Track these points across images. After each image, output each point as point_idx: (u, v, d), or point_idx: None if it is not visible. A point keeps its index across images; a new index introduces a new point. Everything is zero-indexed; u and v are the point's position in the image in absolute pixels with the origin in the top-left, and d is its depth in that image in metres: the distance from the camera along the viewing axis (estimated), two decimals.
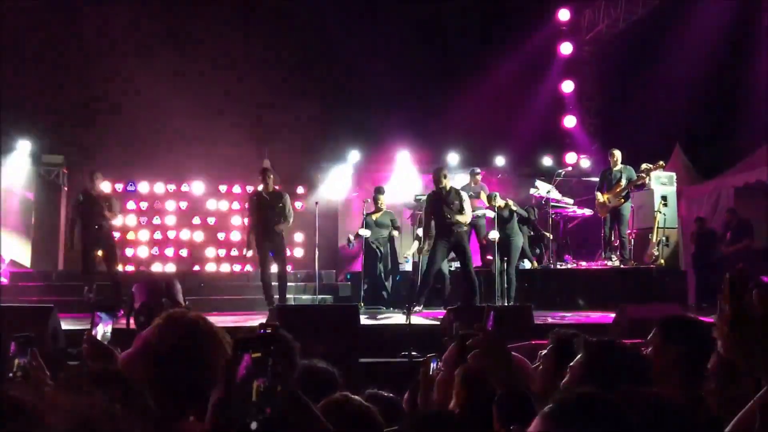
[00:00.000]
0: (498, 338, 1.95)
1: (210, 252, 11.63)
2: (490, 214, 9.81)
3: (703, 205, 11.72)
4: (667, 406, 1.01)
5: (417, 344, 6.58)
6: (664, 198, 10.87)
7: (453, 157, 12.84)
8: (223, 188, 11.84)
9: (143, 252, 11.49)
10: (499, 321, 2.06)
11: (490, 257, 10.02)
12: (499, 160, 13.03)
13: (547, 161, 13.30)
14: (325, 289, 10.26)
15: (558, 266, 11.07)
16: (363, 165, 12.33)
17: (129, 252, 11.43)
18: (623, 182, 10.43)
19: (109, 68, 11.28)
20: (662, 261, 10.49)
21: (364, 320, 7.59)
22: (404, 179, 12.09)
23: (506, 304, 9.17)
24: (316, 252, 9.70)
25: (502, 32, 13.21)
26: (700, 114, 12.41)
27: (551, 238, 11.09)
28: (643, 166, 10.61)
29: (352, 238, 10.20)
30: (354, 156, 12.24)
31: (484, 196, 10.10)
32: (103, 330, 2.39)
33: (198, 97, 11.31)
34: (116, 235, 9.34)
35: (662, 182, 11.15)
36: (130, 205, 11.56)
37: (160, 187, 11.68)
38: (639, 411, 0.97)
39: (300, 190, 12.00)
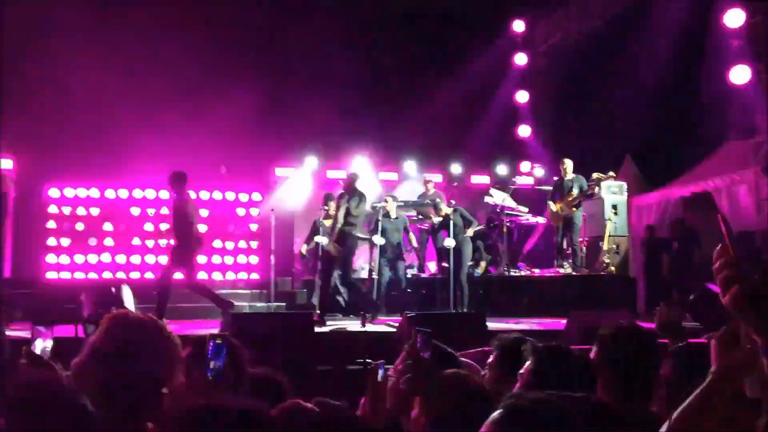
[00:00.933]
0: (426, 363, 1.96)
1: (163, 259, 11.42)
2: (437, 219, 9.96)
3: (652, 214, 12.03)
4: (599, 409, 1.03)
5: (373, 351, 6.58)
6: (614, 207, 11.13)
7: (410, 164, 12.95)
8: None
9: (93, 259, 11.23)
10: (428, 344, 2.07)
11: (445, 264, 10.09)
12: (455, 168, 13.17)
13: (502, 170, 13.49)
14: (280, 296, 10.18)
15: (512, 273, 11.22)
16: (320, 171, 12.31)
17: (79, 259, 11.17)
18: (575, 191, 10.63)
19: (59, 75, 10.98)
20: (613, 268, 10.73)
21: (319, 327, 7.56)
22: (361, 186, 12.09)
23: (460, 310, 9.25)
24: (272, 259, 9.63)
25: (459, 42, 13.35)
26: (650, 125, 12.73)
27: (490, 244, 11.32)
28: (594, 175, 10.83)
29: (304, 251, 10.19)
30: (311, 162, 12.22)
31: (442, 204, 10.18)
32: (42, 345, 2.31)
33: (153, 103, 11.11)
34: None
35: (613, 191, 11.41)
36: (80, 210, 11.29)
37: (111, 193, 11.45)
38: (576, 413, 1.00)
39: (256, 196, 11.91)
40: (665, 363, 2.54)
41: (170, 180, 8.21)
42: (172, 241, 8.19)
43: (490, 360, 2.80)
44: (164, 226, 10.18)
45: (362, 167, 12.32)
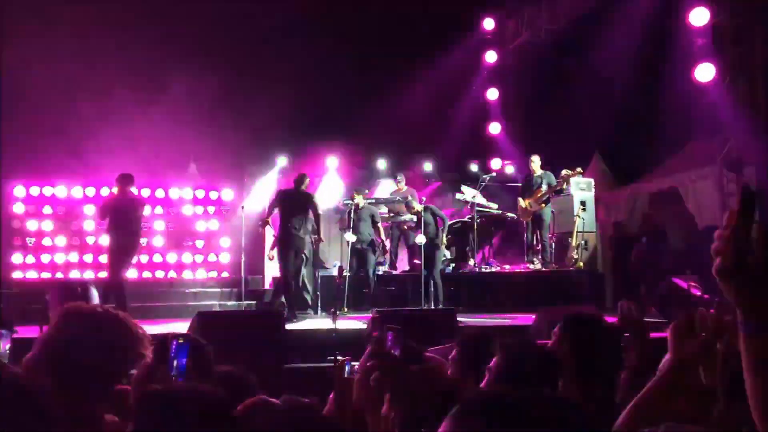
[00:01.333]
0: (396, 361, 1.97)
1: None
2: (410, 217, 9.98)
3: (620, 210, 12.18)
4: (559, 405, 1.05)
5: (343, 348, 6.57)
6: (582, 203, 11.26)
7: (381, 163, 12.96)
8: (145, 192, 11.50)
9: (60, 258, 11.05)
10: (398, 341, 2.08)
11: (417, 261, 10.12)
12: (427, 165, 13.23)
13: (473, 167, 13.56)
14: (251, 295, 10.13)
15: (483, 269, 11.29)
16: (291, 170, 12.25)
17: (45, 258, 10.98)
18: (543, 188, 10.73)
19: (23, 68, 10.76)
20: (581, 264, 10.85)
21: (289, 325, 7.54)
22: (332, 184, 12.11)
23: (434, 307, 9.30)
24: (243, 257, 9.57)
25: (430, 40, 13.37)
26: (617, 122, 12.88)
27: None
28: (563, 172, 10.95)
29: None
30: (282, 161, 12.17)
31: (414, 201, 10.20)
32: (1, 347, 2.27)
33: (120, 98, 10.95)
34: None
35: (581, 188, 11.54)
36: (47, 209, 11.11)
37: (78, 191, 11.27)
38: (537, 409, 1.01)
39: (227, 194, 11.82)
40: (632, 351, 2.56)
41: (116, 180, 8.40)
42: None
43: (452, 355, 2.82)
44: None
45: (333, 165, 12.34)
